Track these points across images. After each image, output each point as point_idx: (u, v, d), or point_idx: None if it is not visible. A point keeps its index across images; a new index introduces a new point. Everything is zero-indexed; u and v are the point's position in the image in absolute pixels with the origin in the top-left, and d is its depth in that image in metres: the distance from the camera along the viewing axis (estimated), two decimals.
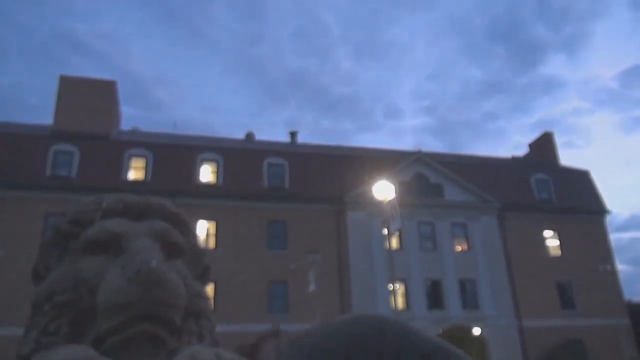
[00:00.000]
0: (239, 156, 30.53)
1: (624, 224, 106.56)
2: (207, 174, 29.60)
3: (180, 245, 1.15)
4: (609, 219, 57.75)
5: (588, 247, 33.00)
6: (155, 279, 0.97)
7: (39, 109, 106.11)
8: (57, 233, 1.14)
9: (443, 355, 1.22)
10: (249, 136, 37.81)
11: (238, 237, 28.05)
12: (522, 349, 29.68)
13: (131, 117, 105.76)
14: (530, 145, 41.91)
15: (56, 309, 1.01)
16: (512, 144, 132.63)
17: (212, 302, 1.19)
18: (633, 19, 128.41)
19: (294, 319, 24.57)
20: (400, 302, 27.38)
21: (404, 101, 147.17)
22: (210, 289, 24.43)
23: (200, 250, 1.26)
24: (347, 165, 31.59)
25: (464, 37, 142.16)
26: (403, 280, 28.58)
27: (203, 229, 28.00)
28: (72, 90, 30.66)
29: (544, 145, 40.03)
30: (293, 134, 37.99)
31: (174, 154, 29.49)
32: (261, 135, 47.89)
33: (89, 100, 30.35)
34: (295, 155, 31.74)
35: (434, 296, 29.76)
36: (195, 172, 29.21)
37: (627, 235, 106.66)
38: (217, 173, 29.55)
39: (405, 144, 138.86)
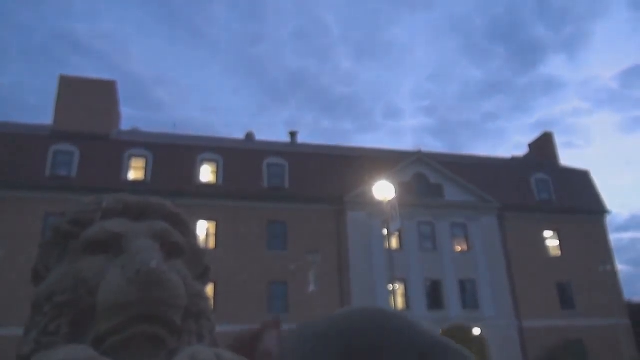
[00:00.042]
0: (239, 156, 30.54)
1: (624, 224, 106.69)
2: (207, 174, 29.61)
3: (180, 246, 1.15)
4: (609, 219, 57.74)
5: (588, 247, 33.00)
6: (155, 279, 0.97)
7: (39, 109, 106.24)
8: (57, 233, 1.14)
9: (441, 350, 1.23)
10: (249, 136, 37.82)
11: (238, 237, 28.05)
12: (522, 349, 29.68)
13: (131, 117, 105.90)
14: (530, 146, 41.91)
15: (56, 309, 1.01)
16: (512, 144, 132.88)
17: (212, 302, 1.19)
18: (633, 19, 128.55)
19: (293, 319, 24.41)
20: (400, 302, 27.40)
21: (403, 101, 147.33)
22: (210, 289, 24.41)
23: (200, 250, 1.26)
24: (347, 165, 31.59)
25: (464, 37, 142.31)
26: (403, 280, 28.59)
27: (203, 229, 28.00)
28: (72, 90, 30.66)
29: (544, 146, 40.04)
30: (293, 134, 38.01)
31: (174, 154, 29.50)
32: (261, 135, 47.92)
33: (89, 100, 30.37)
34: (295, 155, 31.75)
35: (434, 296, 29.77)
36: (195, 172, 29.21)
37: (627, 236, 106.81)
38: (217, 173, 29.56)
39: (405, 144, 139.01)
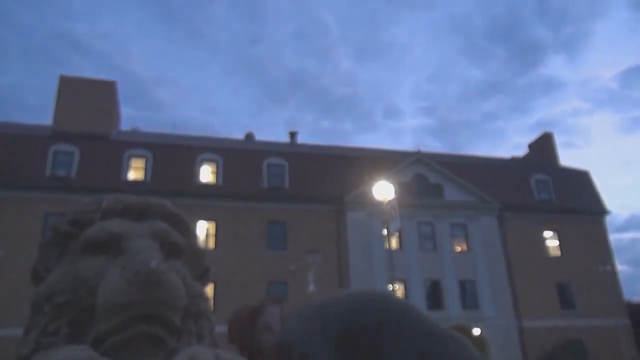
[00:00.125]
0: (238, 156, 30.53)
1: (624, 225, 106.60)
2: (207, 174, 29.60)
3: (179, 246, 1.15)
4: (608, 220, 57.80)
5: (588, 247, 33.00)
6: (154, 280, 0.97)
7: (38, 109, 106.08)
8: (56, 233, 1.14)
9: (442, 335, 1.24)
10: (249, 136, 37.81)
11: (238, 237, 28.05)
12: (521, 350, 29.67)
13: (131, 117, 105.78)
14: (530, 146, 41.90)
15: (56, 309, 1.01)
16: (512, 144, 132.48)
17: (211, 302, 1.19)
18: (633, 19, 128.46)
19: None
20: None
21: (403, 101, 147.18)
22: (210, 289, 24.45)
23: (200, 250, 1.26)
24: (347, 166, 31.59)
25: (464, 37, 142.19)
26: (403, 280, 28.59)
27: (203, 229, 27.99)
28: (72, 91, 30.66)
29: (543, 146, 40.03)
30: (293, 134, 38.00)
31: (174, 154, 29.49)
32: (261, 136, 47.95)
33: (89, 101, 30.36)
34: (295, 155, 31.74)
35: (434, 296, 29.76)
36: (195, 173, 29.20)
37: (627, 236, 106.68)
38: (217, 173, 29.55)
39: (405, 144, 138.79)
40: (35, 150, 27.25)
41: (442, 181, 32.59)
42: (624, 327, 30.20)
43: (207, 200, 28.25)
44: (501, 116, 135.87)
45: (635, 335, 31.44)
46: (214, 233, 28.09)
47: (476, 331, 28.65)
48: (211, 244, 27.70)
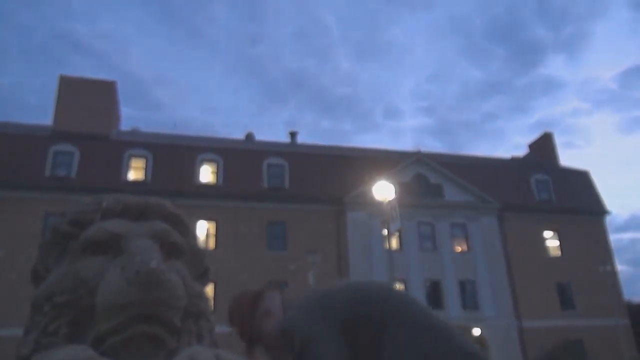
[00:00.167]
0: (238, 157, 30.52)
1: (624, 225, 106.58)
2: (207, 174, 29.59)
3: (179, 246, 1.15)
4: (608, 220, 57.81)
5: (588, 247, 32.99)
6: (154, 280, 0.97)
7: (38, 109, 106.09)
8: (56, 233, 1.14)
9: (444, 329, 1.25)
10: (249, 136, 37.81)
11: (238, 237, 28.04)
12: (521, 350, 29.67)
13: (131, 117, 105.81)
14: (530, 146, 41.89)
15: (56, 309, 1.01)
16: (512, 145, 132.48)
17: (211, 302, 1.19)
18: (633, 19, 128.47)
19: None
20: None
21: (403, 101, 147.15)
22: (209, 289, 24.45)
23: (200, 251, 1.26)
24: (347, 166, 31.59)
25: (464, 37, 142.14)
26: (403, 280, 28.58)
27: (203, 229, 27.99)
28: (72, 91, 30.66)
29: (543, 146, 40.02)
30: (293, 134, 37.99)
31: (174, 155, 29.49)
32: (261, 136, 47.95)
33: (89, 101, 30.35)
34: (295, 155, 31.73)
35: (434, 297, 29.74)
36: (195, 173, 29.20)
37: (627, 236, 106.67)
38: (217, 173, 29.54)
39: (405, 145, 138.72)
40: (35, 150, 27.25)
41: (442, 181, 32.59)
42: (623, 327, 30.19)
43: (207, 200, 28.25)
44: (501, 116, 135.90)
45: (635, 335, 31.43)
46: (214, 233, 28.09)
47: (476, 331, 28.67)
48: (211, 244, 27.70)
